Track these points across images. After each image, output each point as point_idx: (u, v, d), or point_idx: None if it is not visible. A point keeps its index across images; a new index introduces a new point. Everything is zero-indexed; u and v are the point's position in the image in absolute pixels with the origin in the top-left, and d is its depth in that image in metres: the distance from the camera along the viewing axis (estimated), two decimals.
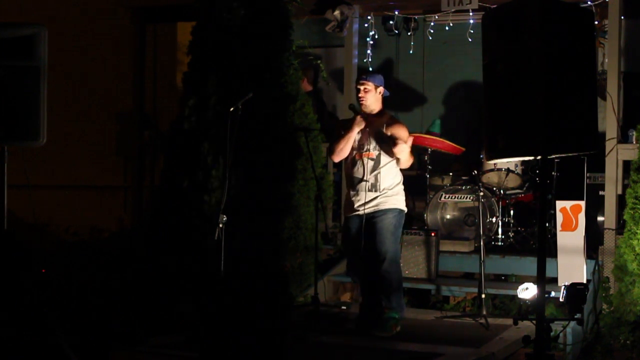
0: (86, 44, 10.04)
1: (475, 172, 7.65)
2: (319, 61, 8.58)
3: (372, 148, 6.22)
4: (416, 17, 8.98)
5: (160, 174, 7.91)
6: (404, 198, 6.31)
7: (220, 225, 5.61)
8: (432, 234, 7.42)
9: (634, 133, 7.05)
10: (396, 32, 9.48)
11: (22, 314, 4.33)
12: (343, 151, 6.27)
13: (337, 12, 8.34)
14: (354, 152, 6.28)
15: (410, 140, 6.18)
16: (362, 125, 6.22)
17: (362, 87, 6.28)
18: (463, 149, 8.23)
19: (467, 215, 7.91)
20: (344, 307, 7.08)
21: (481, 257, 6.57)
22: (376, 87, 6.27)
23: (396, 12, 8.84)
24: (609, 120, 7.31)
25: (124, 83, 10.03)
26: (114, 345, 5.62)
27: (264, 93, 7.08)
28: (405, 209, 6.32)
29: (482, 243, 6.61)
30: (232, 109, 5.77)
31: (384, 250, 6.10)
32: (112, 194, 10.05)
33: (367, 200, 6.17)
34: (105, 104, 10.01)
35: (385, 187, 6.19)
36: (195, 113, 7.32)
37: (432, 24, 8.62)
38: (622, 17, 7.48)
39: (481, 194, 6.95)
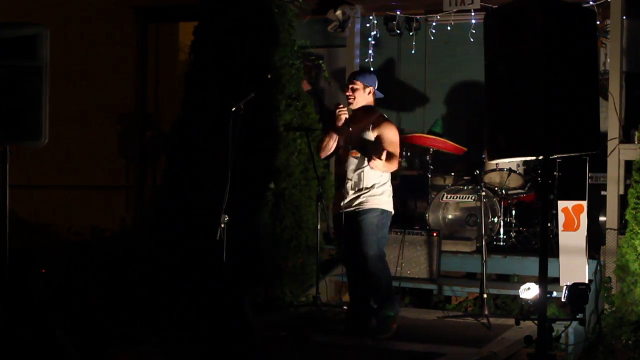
0: (88, 44, 10.04)
1: (477, 172, 7.63)
2: (320, 61, 8.57)
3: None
4: (418, 17, 8.97)
5: (162, 174, 7.91)
6: (389, 198, 6.12)
7: (222, 225, 5.60)
8: (434, 234, 7.40)
9: (636, 133, 7.05)
10: (398, 32, 9.46)
11: (22, 314, 4.33)
12: (327, 148, 6.23)
13: (339, 12, 8.33)
14: (340, 150, 6.21)
15: (395, 146, 6.02)
16: (342, 120, 6.11)
17: (350, 86, 6.21)
18: (465, 149, 8.22)
19: (469, 215, 7.90)
20: (345, 307, 7.06)
21: (483, 257, 6.57)
22: (365, 86, 6.16)
23: (398, 12, 8.84)
24: (610, 120, 7.29)
25: (126, 83, 10.03)
26: (114, 345, 5.61)
27: (265, 93, 7.08)
28: (391, 210, 6.13)
29: (484, 243, 6.60)
30: (234, 108, 5.76)
31: (364, 251, 5.97)
32: (114, 194, 10.06)
33: (349, 199, 6.08)
34: (107, 104, 10.01)
35: (368, 187, 6.04)
36: (197, 113, 7.32)
37: (434, 24, 8.61)
38: (624, 17, 7.46)
39: (483, 194, 6.95)
